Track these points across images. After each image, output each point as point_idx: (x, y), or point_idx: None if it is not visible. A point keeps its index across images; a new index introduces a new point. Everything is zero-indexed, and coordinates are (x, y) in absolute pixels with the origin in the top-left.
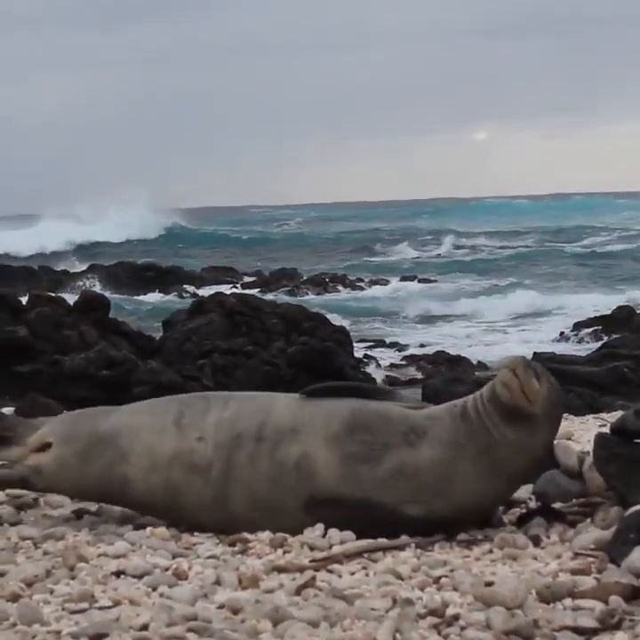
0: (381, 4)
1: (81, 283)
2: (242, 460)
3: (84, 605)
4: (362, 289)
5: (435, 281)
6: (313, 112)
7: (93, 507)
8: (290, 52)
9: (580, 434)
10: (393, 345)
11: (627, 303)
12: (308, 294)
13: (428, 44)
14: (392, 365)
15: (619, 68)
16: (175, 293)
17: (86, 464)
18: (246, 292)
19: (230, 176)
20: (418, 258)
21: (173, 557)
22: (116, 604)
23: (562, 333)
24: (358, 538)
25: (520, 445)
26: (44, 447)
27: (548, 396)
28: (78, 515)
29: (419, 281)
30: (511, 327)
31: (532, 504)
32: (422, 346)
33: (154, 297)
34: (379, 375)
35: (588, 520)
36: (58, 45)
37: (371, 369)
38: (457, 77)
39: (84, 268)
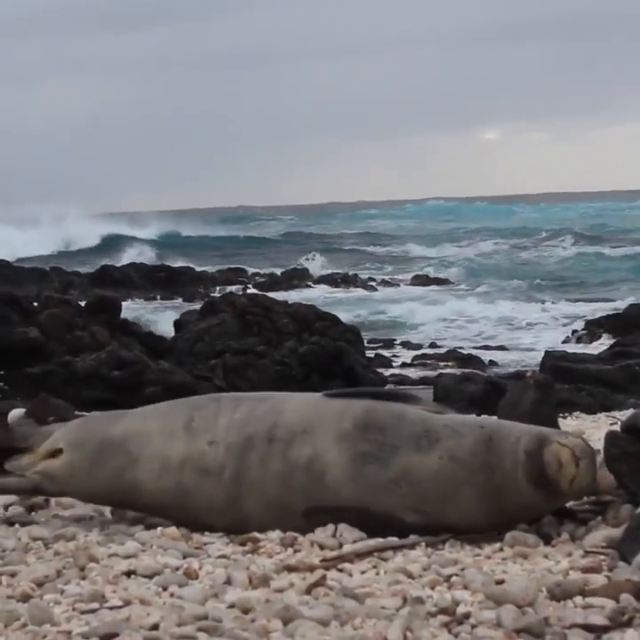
0: (392, 9)
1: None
2: (254, 462)
3: (95, 605)
4: (374, 289)
5: (447, 282)
6: (324, 115)
7: (107, 509)
8: (306, 58)
9: (592, 432)
10: (404, 344)
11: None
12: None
13: (437, 47)
14: (403, 364)
15: (631, 68)
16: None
17: (97, 469)
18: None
19: (237, 178)
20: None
21: (184, 557)
22: (127, 603)
23: (574, 331)
24: (368, 537)
25: (532, 503)
26: (56, 453)
27: (586, 488)
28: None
29: (431, 281)
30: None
31: None
32: (433, 346)
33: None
34: (389, 374)
35: (599, 518)
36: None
37: (382, 367)
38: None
39: None
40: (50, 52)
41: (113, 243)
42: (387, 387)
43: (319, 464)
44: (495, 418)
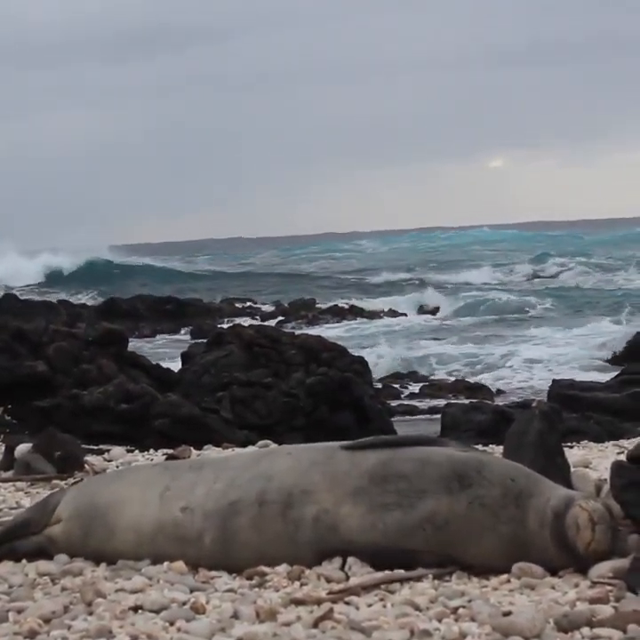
0: (395, 35)
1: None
2: (245, 525)
3: None
4: (380, 318)
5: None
6: (324, 141)
7: None
8: (304, 83)
9: (599, 461)
10: (412, 374)
11: None
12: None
13: (441, 72)
14: (412, 394)
15: (634, 95)
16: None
17: (88, 539)
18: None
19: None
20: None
21: (191, 591)
22: (134, 639)
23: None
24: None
25: (554, 561)
26: (58, 520)
27: (603, 553)
28: None
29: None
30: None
31: None
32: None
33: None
34: (397, 404)
35: None
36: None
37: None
38: (471, 105)
39: None
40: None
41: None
42: (394, 417)
43: (329, 518)
44: (524, 468)
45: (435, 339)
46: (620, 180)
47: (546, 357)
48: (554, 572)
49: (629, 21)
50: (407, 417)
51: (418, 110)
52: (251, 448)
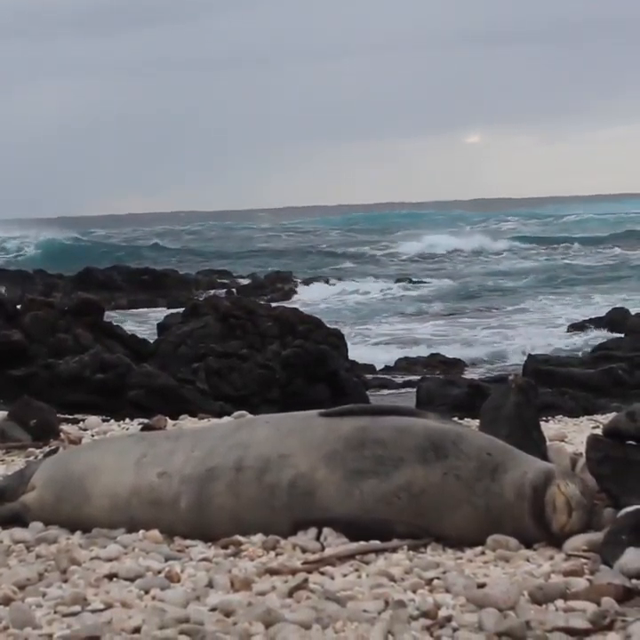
0: (376, 11)
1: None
2: (221, 489)
3: (77, 608)
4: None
5: (428, 282)
6: (306, 116)
7: None
8: (283, 60)
9: (574, 435)
10: (389, 346)
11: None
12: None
13: (422, 50)
14: (387, 367)
15: (613, 72)
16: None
17: (61, 504)
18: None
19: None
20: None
21: (166, 560)
22: (108, 606)
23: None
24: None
25: (528, 533)
26: (33, 488)
27: (576, 533)
28: None
29: (412, 282)
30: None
31: None
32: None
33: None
34: (373, 377)
35: None
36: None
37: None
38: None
39: None
40: (28, 55)
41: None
42: (370, 391)
43: (305, 483)
44: (501, 443)
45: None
46: (593, 157)
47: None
48: (528, 545)
49: (610, 2)
50: (383, 391)
51: (396, 88)
52: (226, 419)
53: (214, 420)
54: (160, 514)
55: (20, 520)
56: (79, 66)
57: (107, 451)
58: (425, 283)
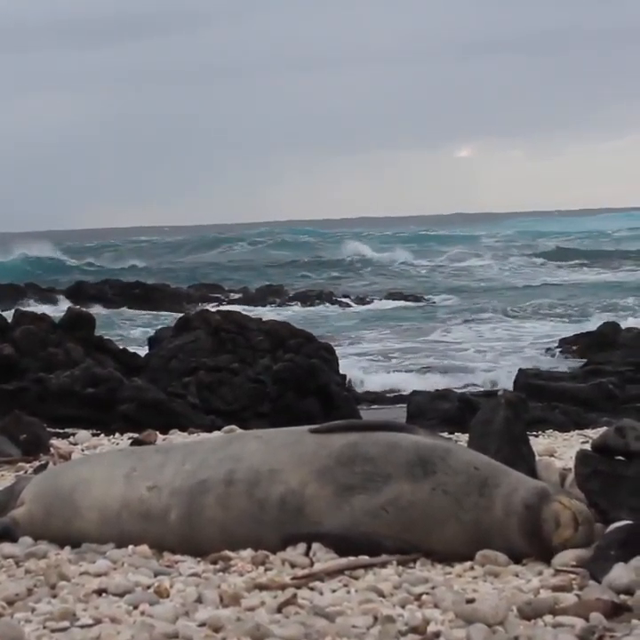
0: (364, 25)
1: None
2: (211, 503)
3: (66, 624)
4: (348, 306)
5: (421, 299)
6: (294, 129)
7: None
8: (277, 72)
9: (563, 450)
10: (377, 360)
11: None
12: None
13: (411, 63)
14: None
15: (603, 87)
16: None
17: (50, 518)
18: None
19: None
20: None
21: (155, 575)
22: (98, 622)
23: (548, 349)
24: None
25: (517, 549)
26: (22, 503)
27: (580, 545)
28: None
29: (406, 299)
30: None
31: None
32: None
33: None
34: (364, 392)
35: None
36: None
37: (357, 384)
38: (440, 94)
39: None
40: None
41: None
42: (360, 406)
43: (295, 498)
44: (488, 459)
45: None
46: (585, 170)
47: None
48: (517, 560)
49: (598, 14)
50: (373, 405)
51: (386, 100)
52: (217, 433)
53: (205, 435)
54: (150, 526)
55: (9, 535)
56: (64, 79)
57: (96, 465)
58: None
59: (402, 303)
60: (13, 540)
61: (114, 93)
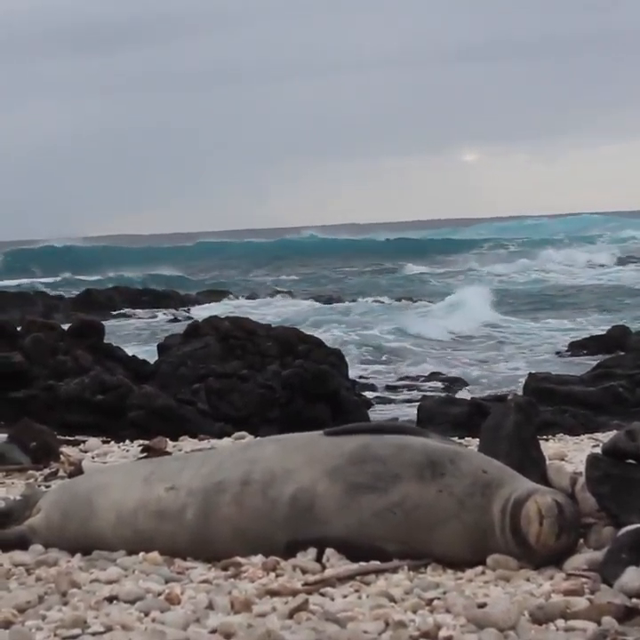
0: (367, 29)
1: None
2: (227, 501)
3: (77, 631)
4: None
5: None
6: (298, 135)
7: None
8: (279, 78)
9: (574, 454)
10: (388, 365)
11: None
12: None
13: (413, 68)
14: (388, 387)
15: (606, 91)
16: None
17: (67, 521)
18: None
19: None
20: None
21: (166, 582)
22: (109, 629)
23: (558, 353)
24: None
25: (512, 553)
26: (38, 511)
27: (557, 550)
28: None
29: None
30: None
31: None
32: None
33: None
34: (374, 397)
35: (581, 540)
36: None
37: (367, 388)
38: (441, 101)
39: None
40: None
41: None
42: (371, 409)
43: (306, 497)
44: (499, 464)
45: None
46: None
47: None
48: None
49: (600, 19)
50: (383, 410)
51: (385, 106)
52: (226, 439)
53: (214, 442)
54: (164, 525)
55: (25, 543)
56: (59, 86)
57: (115, 472)
58: None
59: None
60: (25, 548)
61: (112, 100)
